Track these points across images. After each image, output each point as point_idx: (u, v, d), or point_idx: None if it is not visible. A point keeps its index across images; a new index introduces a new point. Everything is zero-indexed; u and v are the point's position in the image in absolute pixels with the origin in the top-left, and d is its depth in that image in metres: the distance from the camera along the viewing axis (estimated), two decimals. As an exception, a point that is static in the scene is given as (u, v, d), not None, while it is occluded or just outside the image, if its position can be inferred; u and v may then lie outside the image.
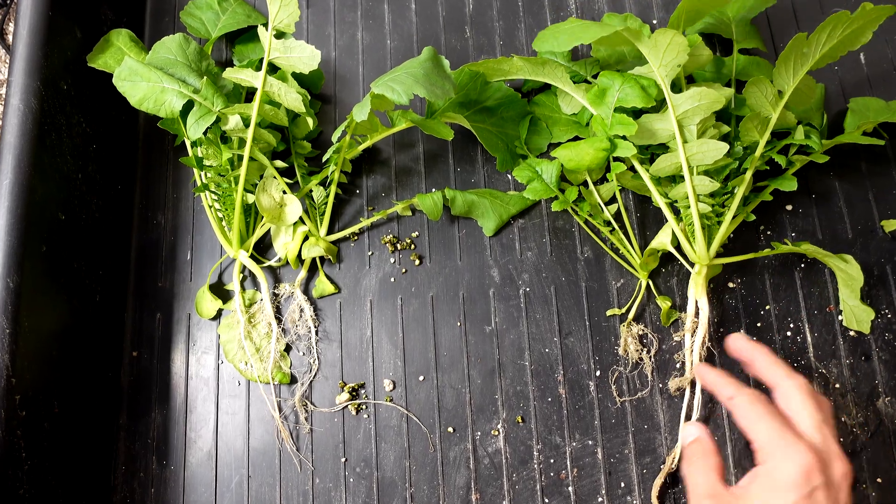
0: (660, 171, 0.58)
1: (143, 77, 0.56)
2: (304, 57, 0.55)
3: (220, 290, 0.63)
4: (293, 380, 0.60)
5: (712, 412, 0.58)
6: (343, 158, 0.61)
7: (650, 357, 0.59)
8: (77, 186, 0.59)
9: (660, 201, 0.59)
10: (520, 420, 0.58)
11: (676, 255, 0.60)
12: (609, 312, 0.61)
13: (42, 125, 0.55)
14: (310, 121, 0.60)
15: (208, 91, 0.57)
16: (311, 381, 0.60)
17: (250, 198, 0.60)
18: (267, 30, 0.55)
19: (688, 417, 0.57)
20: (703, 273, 0.58)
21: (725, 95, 0.57)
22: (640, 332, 0.60)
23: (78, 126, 0.59)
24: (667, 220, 0.60)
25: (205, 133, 0.57)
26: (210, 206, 0.61)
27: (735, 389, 0.47)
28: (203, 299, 0.62)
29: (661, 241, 0.59)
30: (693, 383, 0.57)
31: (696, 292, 0.58)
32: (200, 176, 0.61)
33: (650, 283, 0.61)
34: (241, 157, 0.59)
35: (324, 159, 0.61)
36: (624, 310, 0.61)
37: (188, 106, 0.57)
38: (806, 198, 0.63)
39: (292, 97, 0.56)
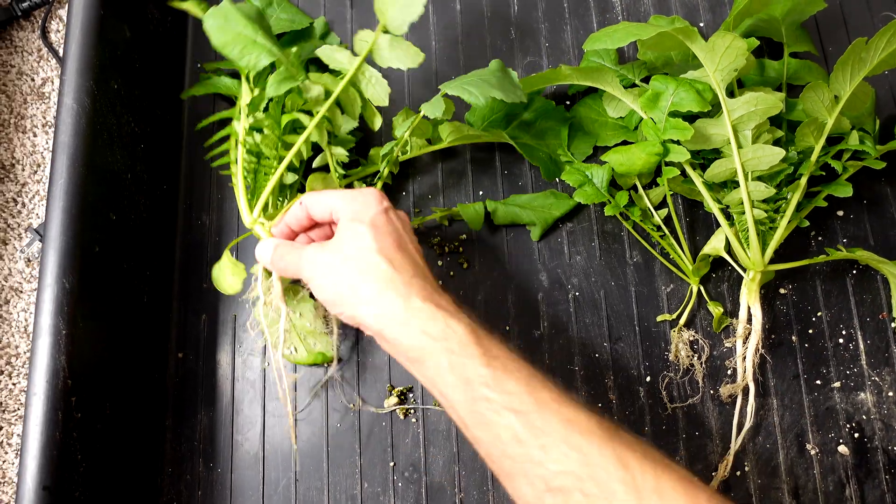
0: (714, 176, 0.58)
1: (239, 23, 0.53)
2: (410, 55, 0.54)
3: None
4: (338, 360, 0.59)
5: (763, 418, 0.58)
6: (396, 157, 0.60)
7: (701, 363, 0.59)
8: (126, 186, 0.58)
9: (713, 207, 0.58)
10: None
11: (729, 260, 0.59)
12: (659, 318, 0.60)
13: (94, 124, 0.54)
14: (378, 119, 0.59)
15: (294, 59, 0.55)
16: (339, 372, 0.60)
17: (289, 178, 0.58)
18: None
19: (740, 425, 0.57)
20: (757, 279, 0.57)
21: (781, 100, 0.56)
22: (691, 338, 0.59)
23: (127, 125, 0.59)
24: (717, 226, 0.60)
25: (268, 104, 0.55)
26: (244, 176, 0.57)
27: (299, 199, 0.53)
28: (222, 274, 0.58)
29: (715, 246, 0.59)
30: (746, 390, 0.57)
31: (750, 299, 0.57)
32: (237, 144, 0.58)
33: (701, 288, 0.60)
34: (294, 131, 0.57)
35: (381, 153, 0.60)
36: (674, 315, 0.60)
37: (269, 68, 0.55)
38: (858, 203, 0.63)
39: (379, 88, 0.55)
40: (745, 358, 0.57)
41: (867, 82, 0.57)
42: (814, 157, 0.57)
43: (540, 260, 0.62)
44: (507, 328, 0.61)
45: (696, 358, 0.59)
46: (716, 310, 0.59)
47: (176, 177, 0.66)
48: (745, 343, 0.58)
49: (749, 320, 0.58)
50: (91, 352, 0.52)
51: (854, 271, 0.61)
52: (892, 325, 0.59)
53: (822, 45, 0.68)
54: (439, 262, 0.63)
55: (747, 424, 0.57)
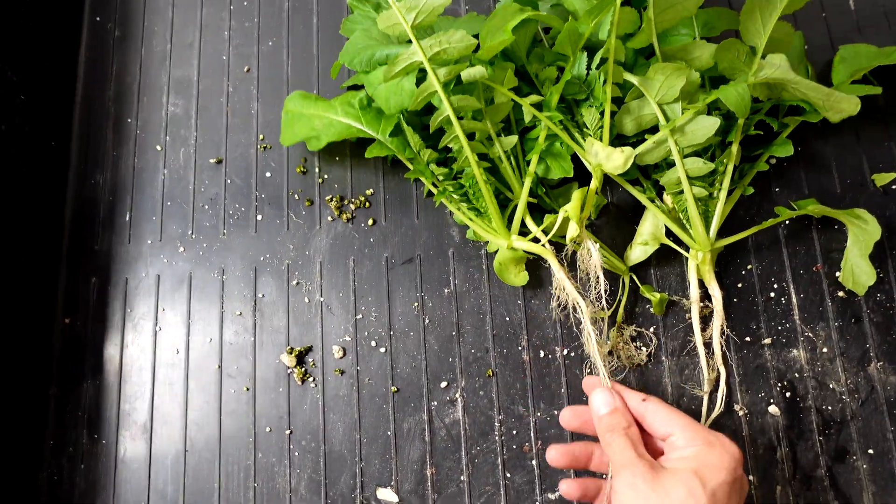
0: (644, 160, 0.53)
1: None
2: None
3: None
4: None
5: (688, 378, 0.54)
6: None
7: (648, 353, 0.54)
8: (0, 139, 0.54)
9: (636, 193, 0.54)
10: (479, 389, 0.54)
11: (671, 244, 0.54)
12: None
13: (-43, 67, 0.51)
14: None
15: None
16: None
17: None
18: None
19: (709, 410, 0.52)
20: (708, 259, 0.53)
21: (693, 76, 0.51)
22: (633, 334, 0.55)
23: (1, 73, 0.55)
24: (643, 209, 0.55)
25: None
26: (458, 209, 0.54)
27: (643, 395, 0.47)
28: (507, 271, 0.54)
29: (653, 233, 0.54)
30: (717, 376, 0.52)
31: (706, 279, 0.53)
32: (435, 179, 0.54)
33: (633, 276, 0.56)
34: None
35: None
36: (609, 312, 0.53)
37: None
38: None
39: None
40: (706, 343, 0.53)
41: (790, 25, 0.52)
42: (741, 120, 0.52)
43: (451, 214, 0.58)
44: (415, 287, 0.56)
45: (642, 350, 0.54)
46: (651, 295, 0.54)
47: (68, 133, 0.62)
48: (707, 323, 0.53)
49: (701, 299, 0.53)
50: (-51, 310, 0.48)
51: (786, 221, 0.57)
52: (838, 274, 0.55)
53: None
54: (344, 217, 0.59)
55: (717, 410, 0.52)
